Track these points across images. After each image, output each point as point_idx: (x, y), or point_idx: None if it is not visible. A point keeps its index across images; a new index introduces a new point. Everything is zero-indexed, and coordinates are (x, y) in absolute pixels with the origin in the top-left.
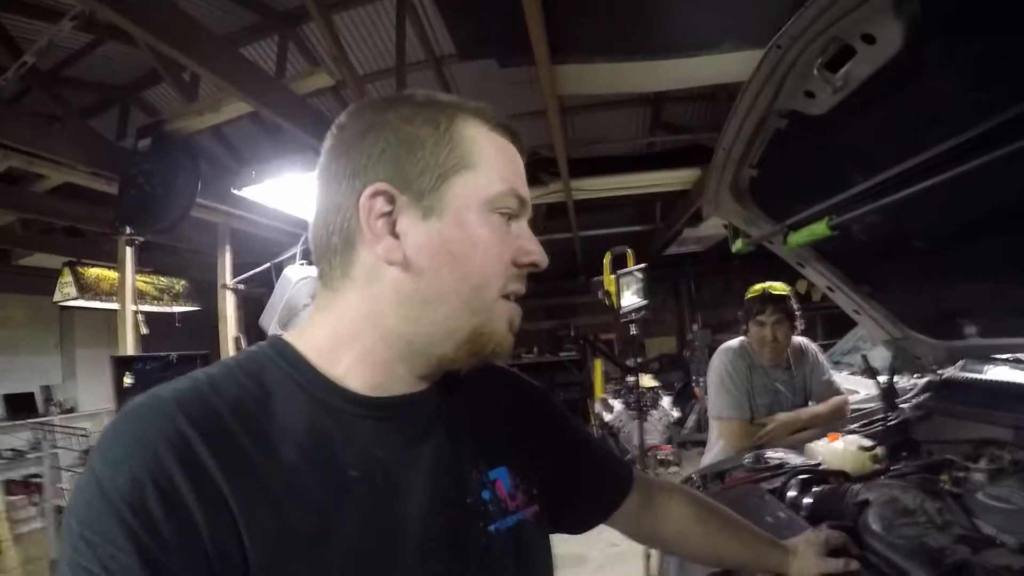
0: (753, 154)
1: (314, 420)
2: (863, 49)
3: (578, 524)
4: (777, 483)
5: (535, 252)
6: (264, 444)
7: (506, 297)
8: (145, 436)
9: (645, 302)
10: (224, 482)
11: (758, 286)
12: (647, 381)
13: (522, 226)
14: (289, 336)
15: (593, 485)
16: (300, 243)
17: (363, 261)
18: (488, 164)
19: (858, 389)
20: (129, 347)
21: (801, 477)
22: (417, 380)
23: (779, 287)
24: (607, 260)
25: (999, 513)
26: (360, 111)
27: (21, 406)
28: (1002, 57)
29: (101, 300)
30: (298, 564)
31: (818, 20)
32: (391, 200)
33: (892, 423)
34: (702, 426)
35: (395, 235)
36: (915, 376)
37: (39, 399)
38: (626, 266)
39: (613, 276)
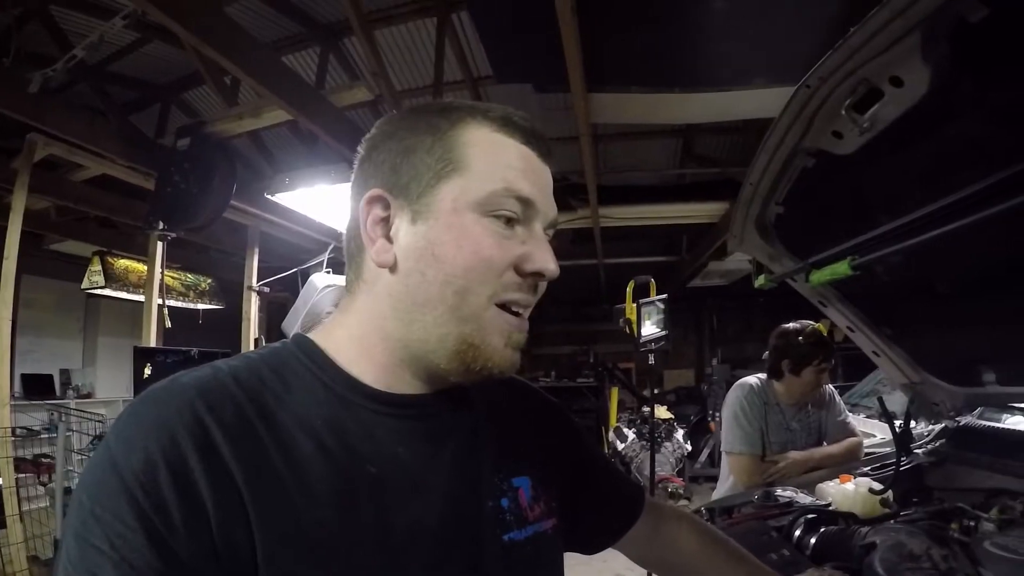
0: (780, 191)
1: (333, 415)
2: (890, 92)
3: (588, 544)
4: (784, 521)
5: (540, 259)
6: (282, 436)
7: (503, 307)
8: (163, 419)
9: (665, 332)
10: (238, 471)
11: (810, 328)
12: (662, 413)
13: (532, 231)
14: (313, 335)
15: (606, 506)
16: (328, 251)
17: (368, 265)
18: (483, 165)
19: (875, 432)
20: (152, 339)
21: (808, 517)
22: (429, 386)
23: (823, 327)
24: (630, 289)
25: (1005, 563)
26: (380, 123)
27: (38, 387)
28: None
29: (128, 291)
30: (305, 557)
31: (847, 62)
32: (386, 206)
33: (905, 468)
34: (715, 460)
35: (389, 239)
36: (932, 422)
37: (57, 382)
38: (648, 295)
39: (635, 304)
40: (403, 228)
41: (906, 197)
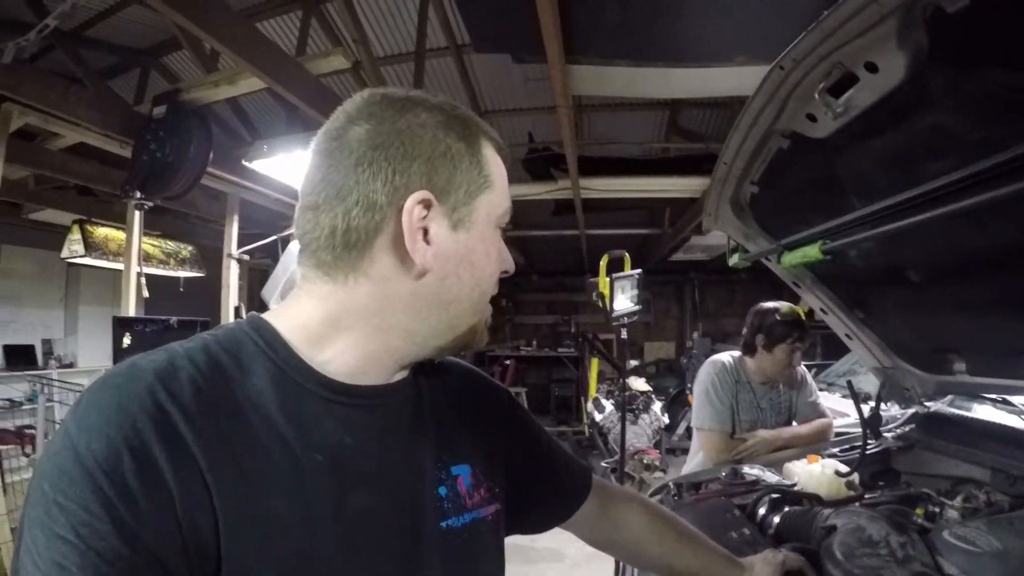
0: (754, 171)
1: (287, 401)
2: (865, 77)
3: (536, 525)
4: (749, 500)
5: (510, 262)
6: (240, 421)
7: (491, 298)
8: (123, 405)
9: (638, 307)
10: (201, 456)
11: (787, 307)
12: (641, 385)
13: (501, 240)
14: (268, 315)
15: (553, 487)
16: None
17: (383, 260)
18: (499, 185)
19: (849, 412)
20: (131, 308)
21: (773, 496)
22: (397, 371)
23: (801, 309)
24: (604, 262)
25: (962, 554)
26: (393, 105)
27: (20, 357)
28: (1006, 95)
29: (108, 259)
30: (262, 543)
31: (821, 45)
32: (428, 207)
33: (872, 451)
34: (692, 434)
35: (427, 241)
36: (903, 407)
37: (39, 352)
38: (622, 270)
39: (608, 279)
40: (443, 233)
41: (879, 184)
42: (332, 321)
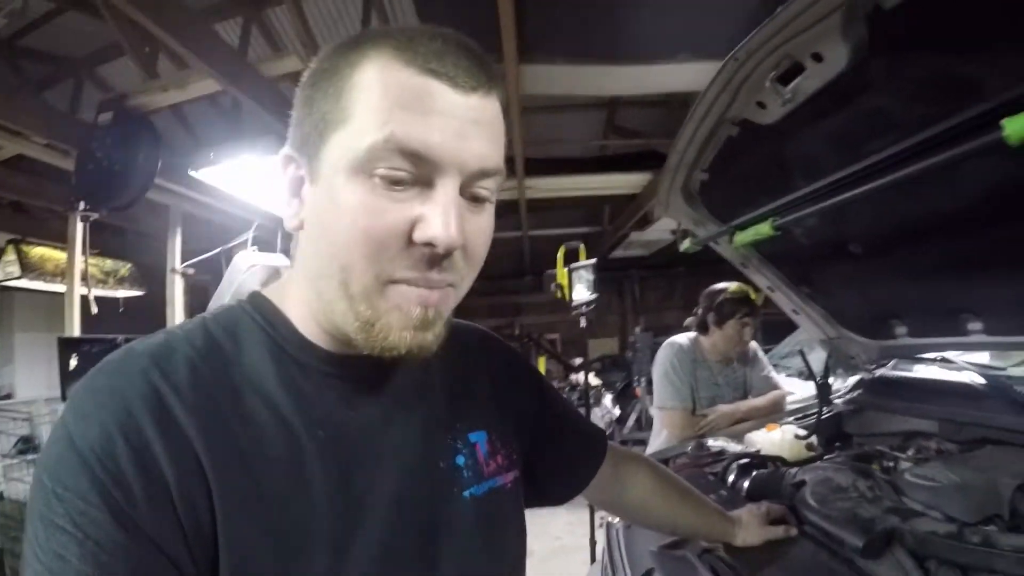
0: (705, 159)
1: (285, 377)
2: (812, 66)
3: (555, 495)
4: (719, 468)
5: (431, 226)
6: (237, 400)
7: (405, 283)
8: (117, 390)
9: (595, 296)
10: (196, 437)
11: (736, 286)
12: (591, 379)
13: (435, 189)
14: (268, 290)
15: (571, 454)
16: (252, 229)
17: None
18: (364, 111)
19: (794, 390)
20: (75, 329)
21: (741, 462)
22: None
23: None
24: (561, 254)
25: (925, 490)
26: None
27: None
28: (935, 79)
29: (45, 281)
30: (263, 525)
31: (773, 38)
32: (298, 165)
33: (826, 416)
34: (643, 425)
35: (302, 199)
36: (849, 375)
37: None
38: (578, 261)
39: (566, 270)
40: (307, 189)
41: (824, 163)
42: (299, 292)
